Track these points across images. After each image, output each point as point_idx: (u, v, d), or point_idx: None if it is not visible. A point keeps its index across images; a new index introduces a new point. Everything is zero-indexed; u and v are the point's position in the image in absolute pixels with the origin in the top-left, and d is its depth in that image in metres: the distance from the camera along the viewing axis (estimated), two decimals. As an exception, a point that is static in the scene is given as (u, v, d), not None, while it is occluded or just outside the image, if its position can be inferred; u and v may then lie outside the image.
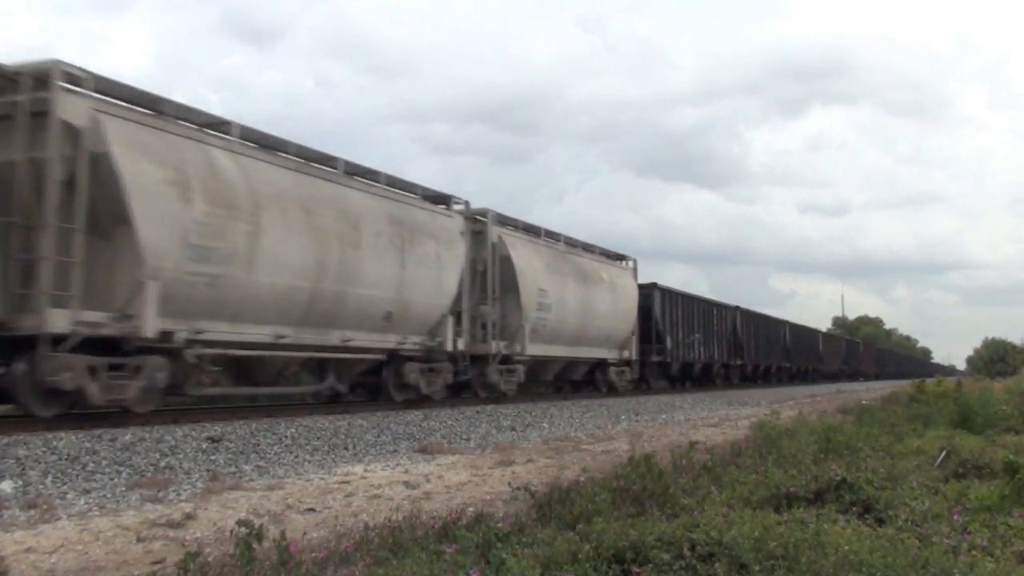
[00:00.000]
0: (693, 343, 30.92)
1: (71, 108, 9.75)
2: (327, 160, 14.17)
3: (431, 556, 4.11)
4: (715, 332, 33.91)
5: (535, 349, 19.59)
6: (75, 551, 4.76)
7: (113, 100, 10.65)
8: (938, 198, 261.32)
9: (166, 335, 10.52)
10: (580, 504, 5.31)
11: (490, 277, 18.29)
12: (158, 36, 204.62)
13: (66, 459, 7.53)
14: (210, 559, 3.92)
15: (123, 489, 6.70)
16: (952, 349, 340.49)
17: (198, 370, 11.14)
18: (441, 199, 17.24)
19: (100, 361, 9.81)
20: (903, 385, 31.78)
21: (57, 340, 9.47)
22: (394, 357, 15.19)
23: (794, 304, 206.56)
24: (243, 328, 11.77)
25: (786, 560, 4.10)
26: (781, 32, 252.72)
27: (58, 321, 9.41)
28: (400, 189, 16.10)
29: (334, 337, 13.49)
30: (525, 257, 19.46)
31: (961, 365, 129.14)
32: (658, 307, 28.03)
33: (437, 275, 15.91)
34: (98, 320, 9.85)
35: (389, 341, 14.88)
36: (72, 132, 9.73)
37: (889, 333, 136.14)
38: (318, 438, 10.00)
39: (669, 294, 29.26)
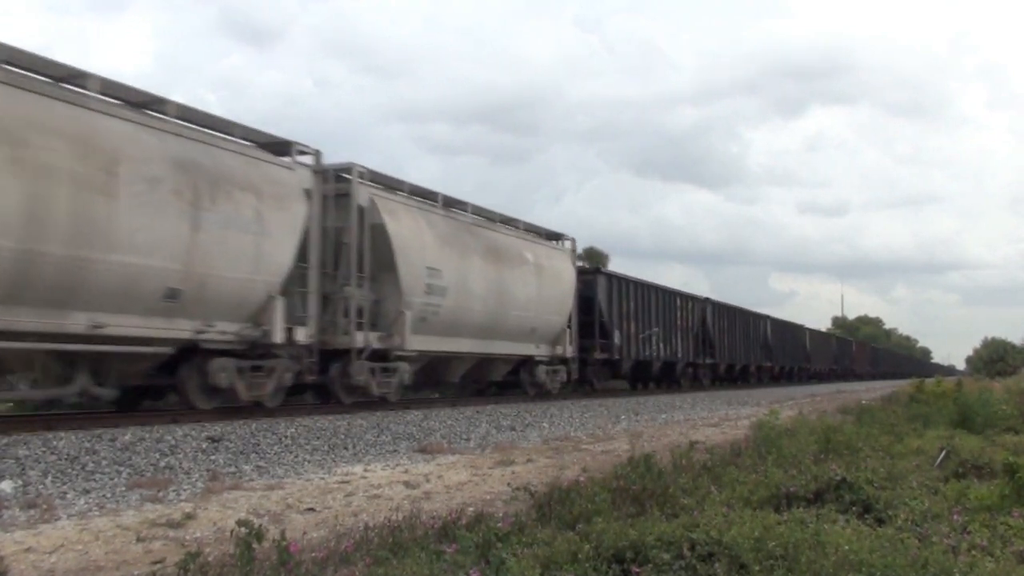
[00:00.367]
0: (650, 338, 27.19)
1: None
2: (73, 77, 10.49)
3: (431, 556, 4.11)
4: (679, 326, 30.24)
5: (422, 343, 15.64)
6: (75, 551, 4.76)
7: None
8: (938, 198, 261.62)
9: None
10: (580, 504, 5.31)
11: (355, 250, 14.35)
12: (157, 36, 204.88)
13: (66, 459, 7.53)
14: (210, 559, 3.92)
15: (123, 489, 6.70)
16: (952, 349, 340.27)
17: None
18: (279, 147, 13.51)
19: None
20: (900, 386, 31.74)
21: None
22: (194, 351, 11.71)
23: (794, 304, 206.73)
24: None
25: (786, 560, 4.10)
26: (780, 32, 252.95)
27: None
28: (202, 126, 12.16)
29: (76, 321, 9.99)
30: (408, 227, 15.47)
31: (961, 365, 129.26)
32: (603, 296, 24.15)
33: (257, 243, 12.22)
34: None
35: (179, 329, 11.28)
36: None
37: (889, 333, 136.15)
38: (318, 438, 10.00)
39: (618, 281, 25.43)
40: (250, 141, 13.01)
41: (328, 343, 13.98)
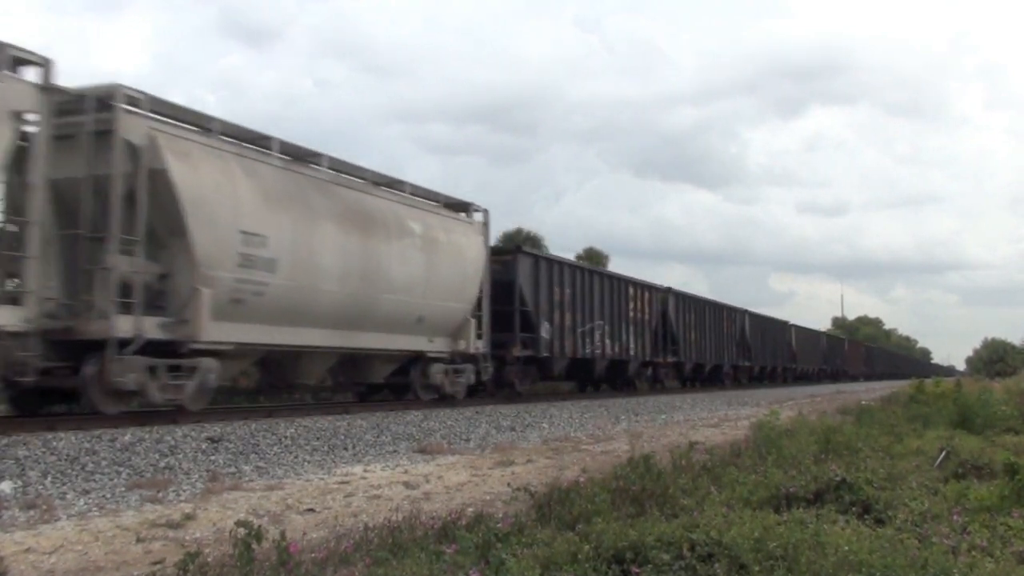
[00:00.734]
0: (591, 333, 22.80)
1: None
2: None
3: (431, 556, 4.11)
4: (632, 320, 25.77)
5: (237, 332, 11.83)
6: (75, 551, 4.76)
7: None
8: (937, 198, 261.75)
9: None
10: (580, 504, 5.31)
11: (118, 204, 10.45)
12: (156, 36, 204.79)
13: (65, 459, 7.53)
14: (210, 559, 3.92)
15: (123, 489, 6.70)
16: (952, 349, 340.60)
17: None
18: None
19: None
20: (896, 387, 31.67)
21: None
22: None
23: (793, 304, 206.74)
24: None
25: (786, 560, 4.10)
26: (779, 32, 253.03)
27: None
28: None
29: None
30: (209, 176, 11.52)
31: (961, 366, 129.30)
32: (526, 281, 19.73)
33: None
34: None
35: None
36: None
37: (888, 334, 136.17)
38: (317, 438, 10.00)
39: (547, 264, 21.04)
40: None
41: (77, 331, 10.21)
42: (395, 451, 9.78)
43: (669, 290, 29.70)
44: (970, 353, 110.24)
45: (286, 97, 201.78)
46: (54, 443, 8.16)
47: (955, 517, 5.50)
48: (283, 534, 4.16)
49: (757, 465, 7.37)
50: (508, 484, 7.09)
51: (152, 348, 10.61)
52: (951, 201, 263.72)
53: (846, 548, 4.18)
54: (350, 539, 4.63)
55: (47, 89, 10.13)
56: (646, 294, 27.32)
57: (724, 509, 5.24)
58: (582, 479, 6.33)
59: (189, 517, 5.64)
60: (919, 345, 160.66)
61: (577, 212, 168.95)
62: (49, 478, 6.90)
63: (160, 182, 10.77)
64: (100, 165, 10.50)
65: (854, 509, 5.71)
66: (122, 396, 10.55)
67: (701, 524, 4.62)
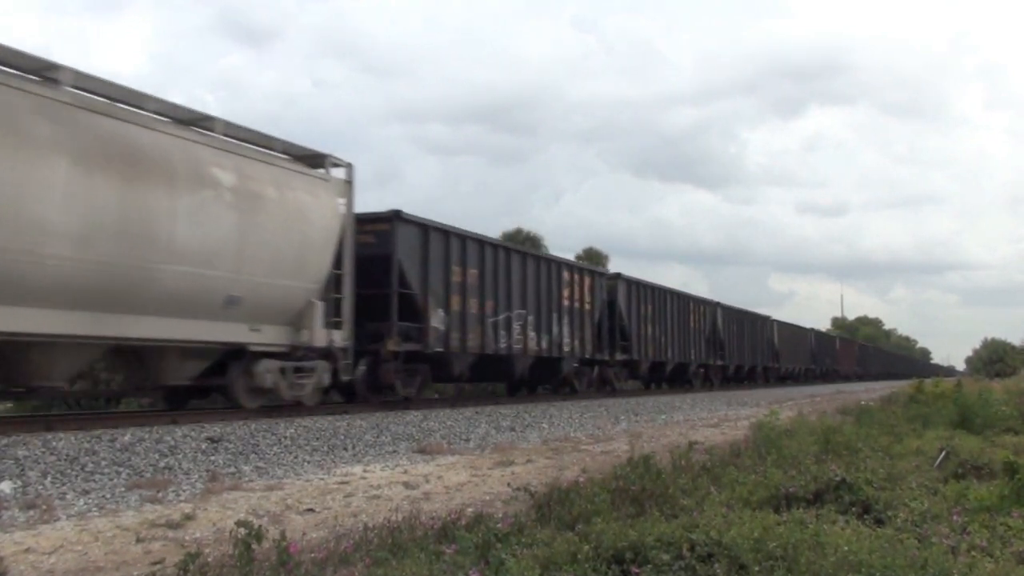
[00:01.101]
0: (507, 325, 18.27)
1: None
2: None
3: (430, 557, 4.11)
4: (569, 310, 21.28)
5: None
6: (74, 551, 4.76)
7: None
8: (936, 198, 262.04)
9: None
10: (579, 504, 5.31)
11: None
12: (155, 36, 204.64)
13: (65, 459, 7.53)
14: (209, 559, 3.92)
15: (122, 489, 6.70)
16: (952, 350, 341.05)
17: None
18: None
19: None
20: (892, 388, 31.62)
21: None
22: None
23: (793, 304, 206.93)
24: None
25: (785, 560, 4.10)
26: (778, 32, 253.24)
27: None
28: None
29: None
30: None
31: (960, 366, 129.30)
32: (409, 256, 15.16)
33: None
34: None
35: None
36: None
37: (888, 334, 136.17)
38: (317, 438, 10.00)
39: (440, 236, 16.18)
40: None
41: None
42: (395, 451, 9.78)
43: (618, 276, 25.21)
44: (970, 353, 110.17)
45: (285, 97, 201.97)
46: (54, 443, 8.16)
47: (955, 517, 5.50)
48: (283, 534, 4.16)
49: (757, 465, 7.37)
50: (508, 484, 7.09)
51: None
52: (950, 201, 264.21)
53: (846, 548, 4.18)
54: (350, 539, 4.63)
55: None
56: (587, 280, 22.58)
57: (724, 509, 5.24)
58: (582, 479, 6.33)
59: (189, 517, 5.64)
60: (919, 345, 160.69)
61: (576, 212, 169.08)
62: (49, 478, 6.90)
63: None
64: None
65: (854, 509, 5.71)
66: None
67: (701, 524, 4.62)
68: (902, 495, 6.12)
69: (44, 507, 5.86)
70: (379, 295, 14.76)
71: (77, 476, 7.05)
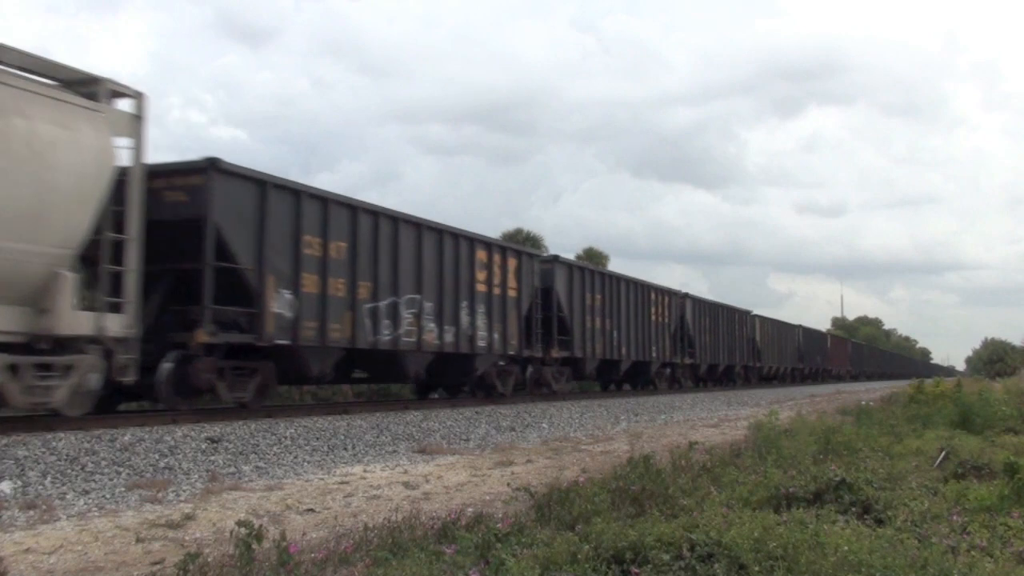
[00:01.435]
0: (392, 312, 14.37)
1: None
2: None
3: (430, 557, 4.11)
4: (486, 297, 17.20)
5: None
6: (74, 552, 4.76)
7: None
8: (935, 199, 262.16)
9: None
10: (579, 505, 5.31)
11: None
12: (152, 36, 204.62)
13: (65, 460, 7.53)
14: (209, 560, 3.92)
15: (122, 490, 6.70)
16: (952, 350, 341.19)
17: None
18: None
19: None
20: (887, 390, 31.55)
21: None
22: None
23: (793, 304, 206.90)
24: None
25: (785, 560, 4.10)
26: (776, 32, 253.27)
27: None
28: None
29: None
30: None
31: (960, 366, 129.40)
32: (232, 220, 11.56)
33: None
34: None
35: None
36: None
37: (889, 334, 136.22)
38: (317, 439, 10.00)
39: (288, 198, 12.52)
40: None
41: None
42: (395, 451, 9.78)
43: (556, 259, 21.03)
44: (970, 353, 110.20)
45: (283, 97, 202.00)
46: (54, 443, 8.15)
47: (955, 517, 5.50)
48: (283, 534, 4.16)
49: (757, 465, 7.37)
50: (508, 484, 7.09)
51: None
52: (949, 202, 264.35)
53: (846, 548, 4.18)
54: (350, 539, 4.63)
55: None
56: (512, 261, 18.45)
57: (724, 509, 5.24)
58: (582, 479, 6.33)
59: (189, 517, 5.65)
60: (919, 345, 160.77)
61: (575, 212, 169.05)
62: (49, 478, 6.90)
63: None
64: None
65: (854, 509, 5.71)
66: None
67: (701, 524, 4.62)
68: (902, 495, 6.11)
69: (44, 507, 5.87)
70: (189, 271, 11.30)
71: (77, 476, 7.05)
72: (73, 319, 9.49)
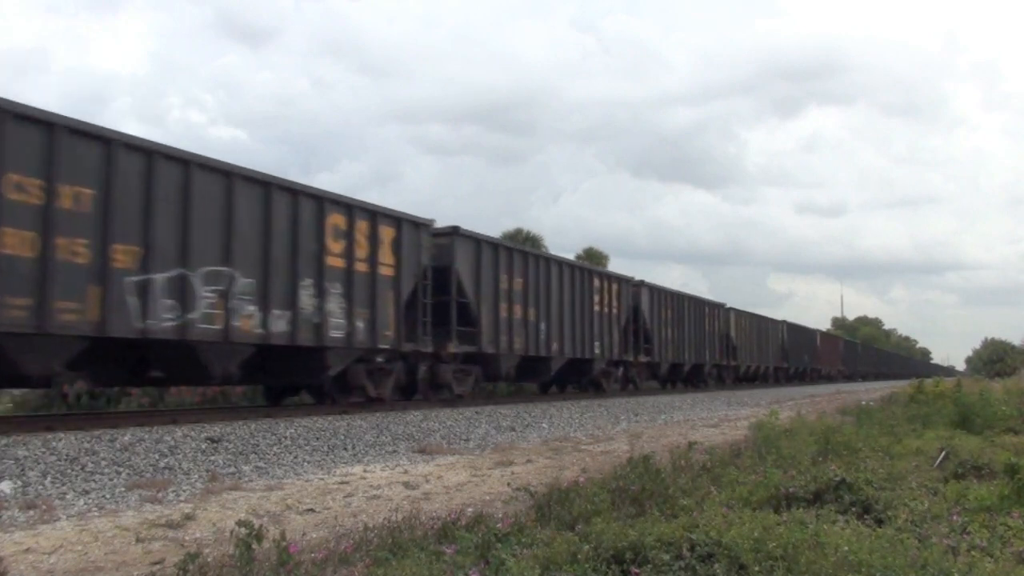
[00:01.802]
0: (183, 288, 10.75)
1: None
2: None
3: (430, 557, 4.11)
4: (354, 278, 13.63)
5: None
6: (74, 552, 4.76)
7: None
8: (935, 199, 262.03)
9: None
10: (579, 504, 5.31)
11: None
12: (152, 36, 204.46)
13: (65, 460, 7.53)
14: (209, 560, 3.92)
15: (122, 490, 6.70)
16: (952, 350, 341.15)
17: None
18: None
19: None
20: (882, 389, 31.45)
21: None
22: None
23: (792, 304, 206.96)
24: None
25: (785, 561, 4.10)
26: (775, 32, 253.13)
27: None
28: None
29: None
30: None
31: (960, 366, 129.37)
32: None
33: None
34: None
35: None
36: None
37: (889, 334, 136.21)
38: (317, 438, 10.00)
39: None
40: None
41: None
42: (395, 451, 9.78)
43: (491, 242, 17.82)
44: (970, 353, 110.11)
45: (283, 97, 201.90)
46: (54, 443, 8.16)
47: (955, 517, 5.49)
48: (283, 534, 4.16)
49: (756, 465, 7.36)
50: (508, 484, 7.09)
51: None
52: (949, 202, 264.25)
53: (846, 548, 4.18)
54: (350, 539, 4.63)
55: None
56: (361, 223, 14.03)
57: (724, 509, 5.24)
58: (582, 479, 6.33)
59: (189, 517, 5.65)
60: (919, 345, 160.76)
61: (575, 213, 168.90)
62: (49, 478, 6.90)
63: None
64: None
65: (854, 509, 5.71)
66: None
67: (701, 524, 4.62)
68: (902, 495, 6.11)
69: (44, 507, 5.87)
70: None
71: (77, 476, 7.05)
72: None
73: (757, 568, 4.04)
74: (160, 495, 6.52)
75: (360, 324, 13.86)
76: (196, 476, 7.45)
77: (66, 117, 9.56)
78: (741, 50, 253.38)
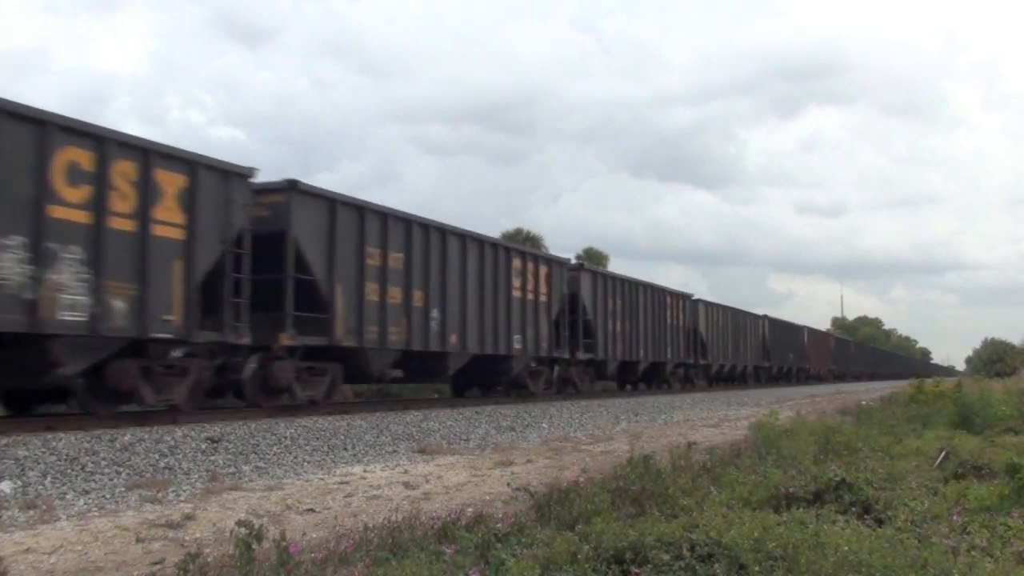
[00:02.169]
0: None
1: None
2: None
3: (430, 557, 4.11)
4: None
5: None
6: (74, 552, 4.76)
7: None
8: (935, 199, 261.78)
9: None
10: (579, 505, 5.31)
11: None
12: (152, 36, 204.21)
13: (65, 460, 7.53)
14: (209, 560, 3.92)
15: (122, 490, 6.70)
16: (952, 350, 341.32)
17: None
18: None
19: None
20: (880, 390, 31.47)
21: None
22: None
23: (792, 304, 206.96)
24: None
25: (785, 561, 4.10)
26: (775, 32, 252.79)
27: None
28: None
29: None
30: None
31: (960, 366, 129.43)
32: None
33: None
34: None
35: None
36: None
37: (888, 333, 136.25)
38: (317, 439, 10.00)
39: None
40: None
41: None
42: (395, 451, 9.78)
43: (386, 215, 14.75)
44: (970, 353, 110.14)
45: (283, 97, 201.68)
46: (54, 443, 8.16)
47: (955, 517, 5.50)
48: (283, 534, 4.16)
49: (756, 465, 7.37)
50: (508, 484, 7.09)
51: None
52: (949, 202, 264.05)
53: (846, 548, 4.18)
54: (350, 539, 4.63)
55: None
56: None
57: (724, 509, 5.24)
58: (582, 479, 6.33)
59: (189, 517, 5.65)
60: (919, 345, 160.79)
61: (575, 213, 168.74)
62: (49, 478, 6.91)
63: None
64: None
65: (854, 509, 5.71)
66: None
67: (701, 524, 4.62)
68: (902, 495, 6.11)
69: (44, 507, 5.87)
70: None
71: (77, 476, 7.06)
72: None
73: (757, 568, 4.04)
74: (160, 495, 6.52)
75: (118, 304, 10.11)
76: (196, 476, 7.45)
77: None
78: (741, 50, 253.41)
